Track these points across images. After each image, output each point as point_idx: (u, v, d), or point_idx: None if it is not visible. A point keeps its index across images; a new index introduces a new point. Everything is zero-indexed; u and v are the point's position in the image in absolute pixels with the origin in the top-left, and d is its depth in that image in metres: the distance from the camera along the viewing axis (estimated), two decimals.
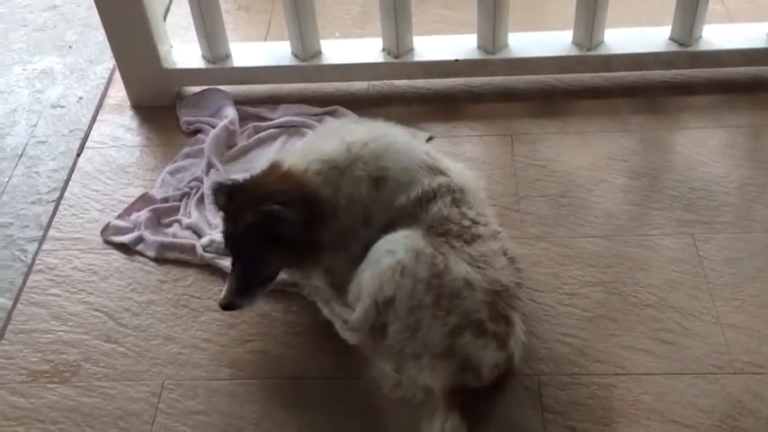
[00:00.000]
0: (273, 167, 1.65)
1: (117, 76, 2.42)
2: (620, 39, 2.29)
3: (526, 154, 2.14)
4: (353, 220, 1.61)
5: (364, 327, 1.55)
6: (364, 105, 2.31)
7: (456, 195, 1.62)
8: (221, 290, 1.63)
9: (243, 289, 1.60)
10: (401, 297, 1.49)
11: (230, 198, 1.63)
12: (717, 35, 2.28)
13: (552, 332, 1.71)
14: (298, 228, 1.54)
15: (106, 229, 2.01)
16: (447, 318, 1.48)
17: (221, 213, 1.67)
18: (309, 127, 2.25)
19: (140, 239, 1.97)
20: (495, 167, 2.11)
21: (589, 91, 2.32)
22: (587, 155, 2.13)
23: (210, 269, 1.90)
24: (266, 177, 1.64)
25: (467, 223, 1.59)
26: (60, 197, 2.12)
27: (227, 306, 1.61)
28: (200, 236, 1.97)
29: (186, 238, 1.97)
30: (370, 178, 1.61)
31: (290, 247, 1.57)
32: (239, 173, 2.11)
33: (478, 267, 1.53)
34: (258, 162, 2.18)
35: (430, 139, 2.20)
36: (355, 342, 1.60)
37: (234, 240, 1.61)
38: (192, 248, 1.92)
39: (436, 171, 1.64)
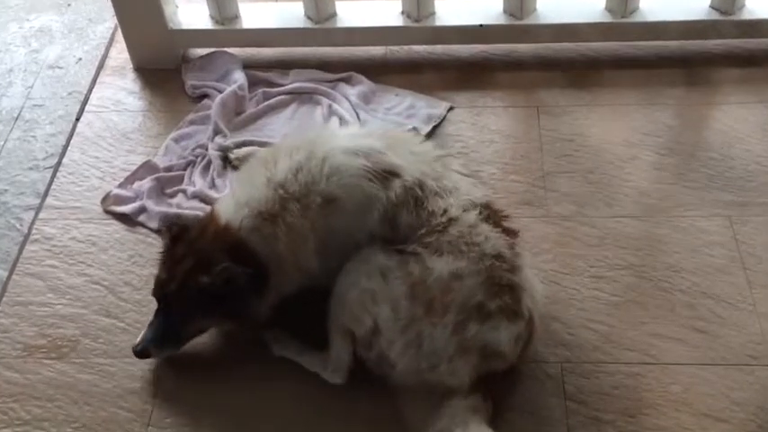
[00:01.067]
0: (212, 219, 1.57)
1: (119, 36, 2.39)
2: (657, 5, 2.22)
3: (553, 127, 2.10)
4: (302, 265, 1.54)
5: (343, 363, 1.53)
6: (381, 72, 2.28)
7: (416, 193, 1.52)
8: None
9: (162, 340, 1.55)
10: (384, 323, 1.44)
11: (174, 239, 1.56)
12: (761, 3, 2.22)
13: (577, 317, 1.68)
14: (244, 292, 1.49)
15: (107, 199, 1.98)
16: (444, 318, 1.42)
17: (161, 252, 1.60)
18: (322, 94, 2.21)
19: (143, 210, 1.94)
20: (520, 141, 2.08)
21: (621, 61, 2.27)
22: (619, 129, 2.09)
23: None
24: (206, 230, 1.55)
25: (435, 220, 1.50)
26: (58, 163, 2.09)
27: (139, 353, 1.56)
28: (206, 203, 1.91)
29: (191, 208, 1.93)
30: (310, 211, 1.51)
31: (226, 311, 1.52)
32: (248, 139, 2.12)
33: (460, 252, 1.45)
34: (268, 130, 2.16)
35: (450, 109, 2.18)
36: (342, 381, 1.55)
37: (165, 288, 1.54)
38: None
39: (385, 174, 1.53)
